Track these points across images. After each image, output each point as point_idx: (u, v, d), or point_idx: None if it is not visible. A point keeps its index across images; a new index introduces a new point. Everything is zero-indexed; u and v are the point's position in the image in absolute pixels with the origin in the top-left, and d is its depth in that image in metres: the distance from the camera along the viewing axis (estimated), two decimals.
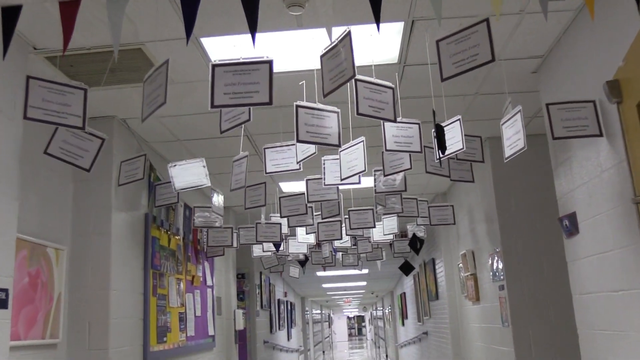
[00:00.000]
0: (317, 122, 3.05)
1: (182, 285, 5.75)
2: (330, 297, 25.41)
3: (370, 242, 8.05)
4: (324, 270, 11.18)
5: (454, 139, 3.54)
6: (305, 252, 7.54)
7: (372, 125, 3.85)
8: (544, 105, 3.10)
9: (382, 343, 30.03)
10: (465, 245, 6.56)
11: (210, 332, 6.72)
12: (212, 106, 2.54)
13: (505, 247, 5.16)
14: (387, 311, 23.97)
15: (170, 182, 4.34)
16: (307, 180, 4.63)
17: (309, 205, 5.13)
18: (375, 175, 4.79)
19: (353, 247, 10.06)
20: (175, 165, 4.27)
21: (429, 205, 6.02)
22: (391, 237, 6.79)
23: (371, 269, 13.83)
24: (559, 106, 3.06)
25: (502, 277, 5.18)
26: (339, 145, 2.94)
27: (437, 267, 8.42)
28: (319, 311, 31.88)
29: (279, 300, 12.62)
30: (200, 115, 4.53)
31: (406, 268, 9.85)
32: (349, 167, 3.63)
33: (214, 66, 2.58)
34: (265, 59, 2.58)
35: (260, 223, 5.89)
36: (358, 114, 2.82)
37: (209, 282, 6.77)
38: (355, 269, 10.05)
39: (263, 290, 10.15)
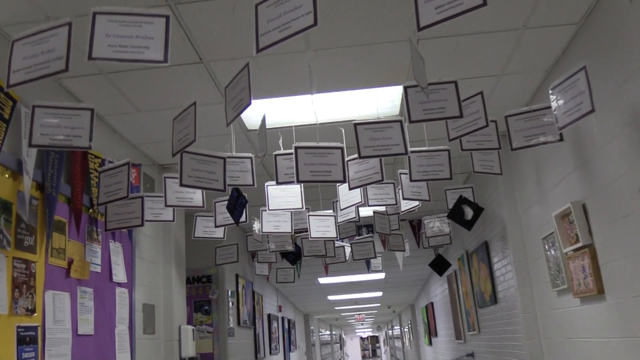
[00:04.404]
0: None
1: (33, 273, 2.93)
2: (339, 313, 22.35)
3: (388, 212, 5.26)
4: (326, 273, 8.31)
5: None
6: (289, 230, 4.73)
7: None
8: None
9: None
10: (564, 199, 3.71)
11: None
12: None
13: None
14: (405, 329, 20.93)
15: None
16: None
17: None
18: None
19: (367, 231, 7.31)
20: None
21: (507, 116, 3.23)
22: (422, 197, 4.00)
23: (388, 272, 10.92)
24: None
25: None
26: None
27: (492, 254, 5.55)
28: (327, 331, 28.77)
29: (269, 315, 9.70)
30: None
31: (439, 264, 6.96)
32: None
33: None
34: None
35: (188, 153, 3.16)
36: None
37: (118, 277, 3.94)
38: (370, 265, 7.21)
39: (241, 300, 7.28)
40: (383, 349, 48.80)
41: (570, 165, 3.59)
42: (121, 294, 3.98)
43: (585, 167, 3.38)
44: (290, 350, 12.45)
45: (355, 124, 3.17)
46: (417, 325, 16.20)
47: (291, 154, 3.39)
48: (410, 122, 2.76)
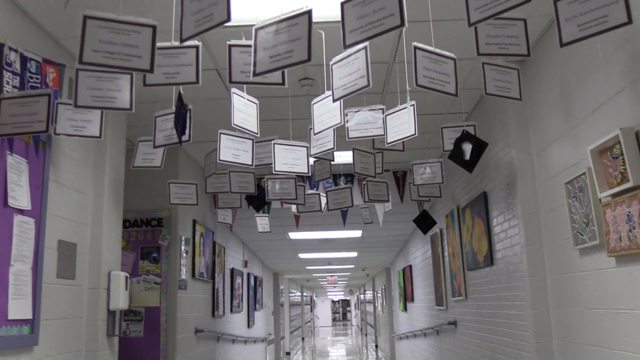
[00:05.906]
0: None
1: None
2: (311, 274, 21.66)
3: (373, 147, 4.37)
4: (297, 225, 7.46)
5: None
6: (249, 162, 3.83)
7: None
8: None
9: (370, 331, 26.50)
10: (607, 127, 2.84)
11: (18, 314, 2.98)
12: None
13: None
14: (378, 294, 20.34)
15: None
16: None
17: None
18: None
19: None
20: None
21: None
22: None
23: (366, 230, 10.11)
24: None
25: None
26: None
27: (492, 207, 4.71)
28: (298, 292, 28.19)
29: (233, 270, 8.84)
30: None
31: (424, 222, 6.17)
32: None
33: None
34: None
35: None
36: None
37: (17, 202, 3.00)
38: (346, 219, 6.37)
39: (198, 249, 6.39)
40: (354, 313, 48.75)
41: (620, 81, 2.70)
42: (22, 224, 3.05)
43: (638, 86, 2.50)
44: (255, 309, 11.67)
45: (342, 2, 2.28)
46: (391, 290, 15.54)
47: (249, 46, 2.49)
48: None
